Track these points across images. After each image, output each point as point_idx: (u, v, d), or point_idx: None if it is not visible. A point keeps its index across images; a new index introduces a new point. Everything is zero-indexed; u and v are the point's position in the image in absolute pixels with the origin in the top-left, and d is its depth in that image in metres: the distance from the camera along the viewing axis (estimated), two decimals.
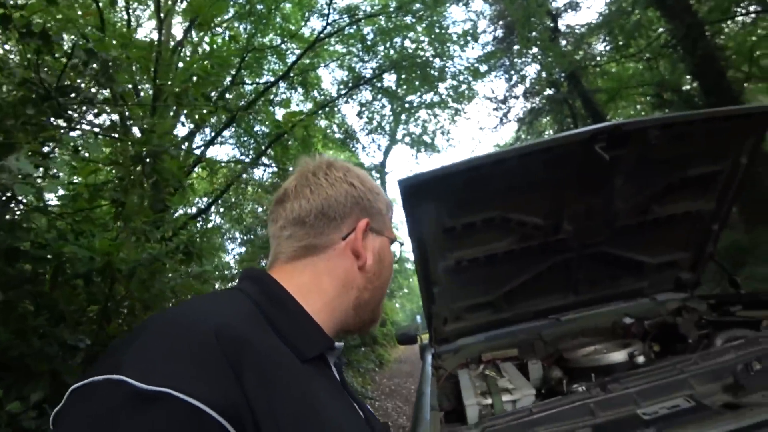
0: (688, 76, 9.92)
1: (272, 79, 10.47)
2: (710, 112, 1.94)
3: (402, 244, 0.88)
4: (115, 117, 3.92)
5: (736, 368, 1.27)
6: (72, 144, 3.13)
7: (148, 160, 3.17)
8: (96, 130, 3.43)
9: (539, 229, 2.14)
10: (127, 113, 4.21)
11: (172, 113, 6.59)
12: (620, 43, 11.19)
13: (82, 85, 2.86)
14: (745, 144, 2.17)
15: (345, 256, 0.74)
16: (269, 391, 0.51)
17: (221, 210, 11.66)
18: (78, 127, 3.03)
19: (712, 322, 2.28)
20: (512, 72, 12.08)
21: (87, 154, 3.27)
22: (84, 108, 2.92)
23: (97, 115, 3.29)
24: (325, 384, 0.64)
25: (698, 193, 2.35)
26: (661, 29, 10.20)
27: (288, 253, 0.74)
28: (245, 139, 11.35)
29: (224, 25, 10.18)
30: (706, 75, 8.45)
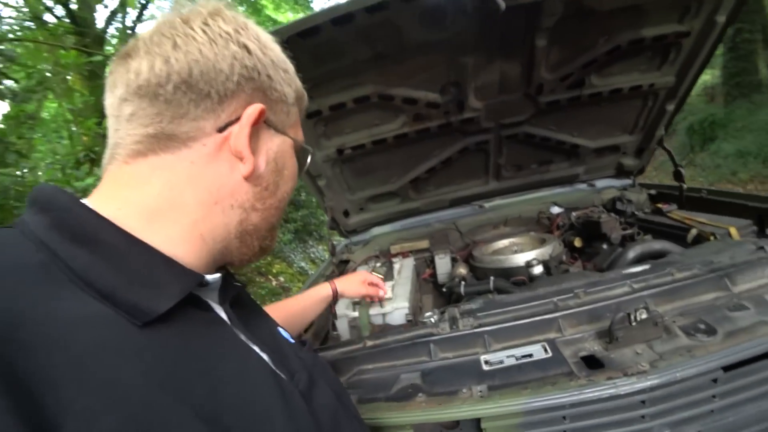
0: None
1: None
2: None
3: (311, 153, 0.65)
4: None
5: (615, 315, 0.95)
6: None
7: None
8: None
9: (436, 107, 1.67)
10: None
11: None
12: None
13: None
14: None
15: (220, 157, 0.50)
16: (52, 402, 0.32)
17: None
18: None
19: (640, 221, 1.98)
20: None
21: None
22: None
23: None
24: (198, 342, 0.45)
25: (653, 62, 1.84)
26: None
27: (128, 145, 0.48)
28: None
29: None
30: None
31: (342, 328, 1.62)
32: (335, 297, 1.34)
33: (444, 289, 2.07)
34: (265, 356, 0.53)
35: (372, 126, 1.72)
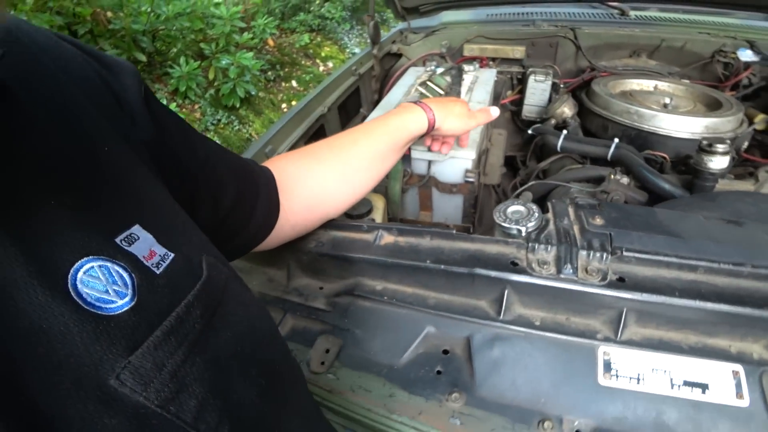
0: None
1: None
2: None
3: None
4: None
5: None
6: None
7: None
8: None
9: None
10: None
11: None
12: None
13: None
14: None
15: None
16: None
17: None
18: None
19: None
20: None
21: None
22: None
23: None
24: None
25: None
26: None
27: None
28: None
29: None
30: None
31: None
32: (429, 132, 0.72)
33: (530, 131, 1.39)
34: None
35: None
